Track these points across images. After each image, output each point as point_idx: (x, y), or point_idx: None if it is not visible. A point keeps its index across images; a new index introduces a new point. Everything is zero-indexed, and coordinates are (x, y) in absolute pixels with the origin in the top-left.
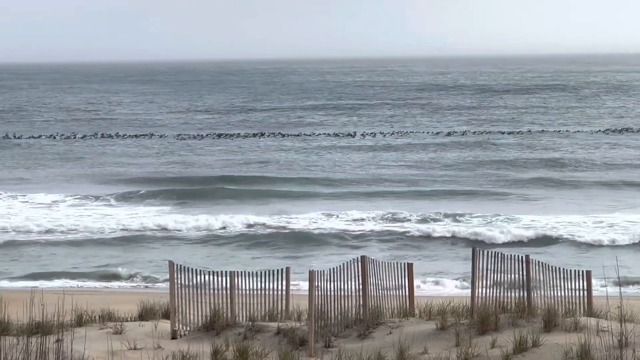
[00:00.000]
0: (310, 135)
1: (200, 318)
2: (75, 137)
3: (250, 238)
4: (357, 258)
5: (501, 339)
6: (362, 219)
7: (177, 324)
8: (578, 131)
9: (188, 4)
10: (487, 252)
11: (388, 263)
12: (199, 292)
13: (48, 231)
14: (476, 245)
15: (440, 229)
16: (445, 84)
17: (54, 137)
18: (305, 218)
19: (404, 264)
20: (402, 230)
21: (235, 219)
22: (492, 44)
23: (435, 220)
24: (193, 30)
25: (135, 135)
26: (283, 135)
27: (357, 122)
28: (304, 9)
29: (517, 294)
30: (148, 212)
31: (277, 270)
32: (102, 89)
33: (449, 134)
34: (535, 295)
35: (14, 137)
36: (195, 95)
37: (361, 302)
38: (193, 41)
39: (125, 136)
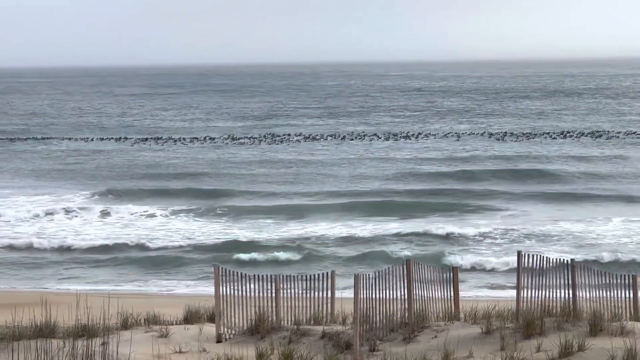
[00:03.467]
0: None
1: (245, 321)
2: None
3: None
4: (402, 261)
5: (546, 343)
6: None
7: (222, 328)
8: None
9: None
10: (533, 255)
11: (433, 267)
12: (244, 295)
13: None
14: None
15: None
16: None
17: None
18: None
19: (450, 267)
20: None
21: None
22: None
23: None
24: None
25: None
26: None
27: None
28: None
29: (562, 298)
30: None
31: (322, 274)
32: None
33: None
34: (581, 298)
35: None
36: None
37: (406, 306)
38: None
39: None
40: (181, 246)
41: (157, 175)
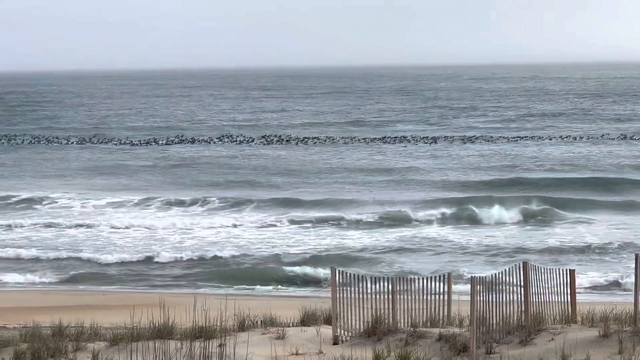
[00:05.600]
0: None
1: (361, 324)
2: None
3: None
4: (519, 264)
5: None
6: None
7: (338, 330)
8: None
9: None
10: None
11: (550, 269)
12: (361, 297)
13: None
14: None
15: None
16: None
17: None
18: None
19: (566, 270)
20: None
21: None
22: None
23: None
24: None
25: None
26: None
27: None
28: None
29: None
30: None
31: (439, 276)
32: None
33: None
34: None
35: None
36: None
37: (523, 308)
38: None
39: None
40: (296, 252)
41: (265, 183)
